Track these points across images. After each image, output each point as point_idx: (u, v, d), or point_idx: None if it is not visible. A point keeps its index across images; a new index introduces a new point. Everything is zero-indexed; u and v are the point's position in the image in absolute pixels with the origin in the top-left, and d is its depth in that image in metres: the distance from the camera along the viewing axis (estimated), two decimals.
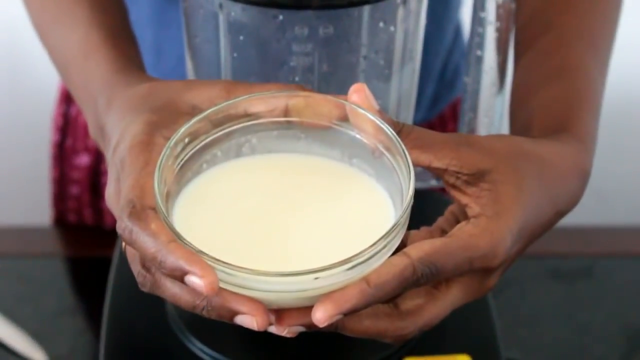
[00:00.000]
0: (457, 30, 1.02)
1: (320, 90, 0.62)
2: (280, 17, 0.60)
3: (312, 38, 0.60)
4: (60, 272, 0.96)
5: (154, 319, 0.72)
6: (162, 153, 0.54)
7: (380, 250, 0.51)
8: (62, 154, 1.08)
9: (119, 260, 0.78)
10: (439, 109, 1.02)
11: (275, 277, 0.50)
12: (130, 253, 0.56)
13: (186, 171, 0.56)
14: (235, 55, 0.62)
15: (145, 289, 0.55)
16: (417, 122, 0.71)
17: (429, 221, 0.83)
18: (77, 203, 1.08)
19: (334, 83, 0.63)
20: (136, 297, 0.74)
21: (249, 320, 0.52)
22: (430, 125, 1.02)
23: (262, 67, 0.63)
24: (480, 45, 0.66)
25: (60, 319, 0.89)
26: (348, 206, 0.56)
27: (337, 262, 0.49)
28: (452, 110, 1.04)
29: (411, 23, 0.63)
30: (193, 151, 0.56)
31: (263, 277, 0.50)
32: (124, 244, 0.55)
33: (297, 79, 0.62)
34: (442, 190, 0.82)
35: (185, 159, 0.56)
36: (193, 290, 0.51)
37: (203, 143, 0.57)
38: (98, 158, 1.05)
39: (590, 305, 0.92)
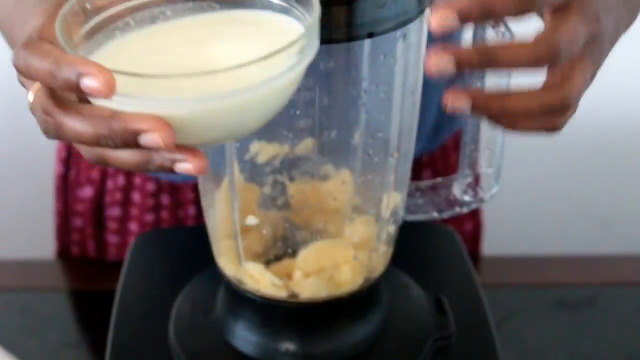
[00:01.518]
0: None
1: (322, 125, 0.63)
2: None
3: (313, 72, 0.60)
4: (63, 305, 0.96)
5: (158, 352, 0.72)
6: (67, 5, 0.53)
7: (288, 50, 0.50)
8: (65, 187, 1.08)
9: (123, 293, 0.78)
10: (441, 140, 1.02)
11: (179, 78, 0.48)
12: (35, 102, 0.54)
13: (96, 34, 0.55)
14: None
15: (49, 135, 0.53)
16: (418, 153, 0.71)
17: (432, 253, 0.83)
18: (80, 236, 1.08)
19: (336, 117, 0.63)
20: (140, 330, 0.74)
21: (153, 138, 0.49)
22: (433, 157, 1.02)
23: None
24: (481, 77, 0.66)
25: (64, 352, 0.89)
26: (263, 40, 0.55)
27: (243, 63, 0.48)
28: (454, 141, 1.04)
29: (412, 56, 0.64)
30: (104, 17, 0.55)
31: (166, 81, 0.48)
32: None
33: (298, 112, 0.63)
34: (445, 222, 0.82)
35: (96, 23, 0.55)
36: (94, 120, 0.50)
37: (116, 11, 0.56)
38: (101, 190, 1.05)
39: (595, 335, 0.91)
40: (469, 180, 0.71)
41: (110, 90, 0.48)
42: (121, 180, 1.03)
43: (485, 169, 0.70)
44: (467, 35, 0.64)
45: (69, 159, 1.08)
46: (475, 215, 1.09)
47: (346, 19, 0.57)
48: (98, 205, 1.05)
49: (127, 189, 1.04)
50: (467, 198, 0.72)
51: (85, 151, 0.54)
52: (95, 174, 1.05)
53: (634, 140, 1.59)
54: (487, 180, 0.70)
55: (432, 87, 0.99)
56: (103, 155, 0.53)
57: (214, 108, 0.50)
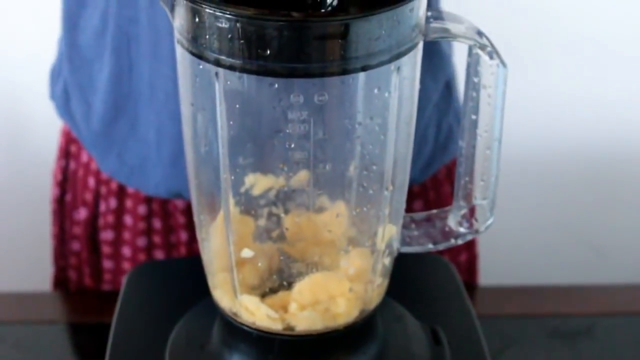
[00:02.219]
0: (449, 93, 1.03)
1: (316, 157, 0.63)
2: (276, 85, 0.61)
3: (308, 105, 0.60)
4: (58, 338, 0.96)
5: None
6: None
7: None
8: (62, 209, 1.08)
9: (117, 326, 0.77)
10: (432, 170, 1.02)
11: None
12: None
13: None
14: (231, 123, 0.63)
15: None
16: (409, 184, 0.71)
17: (427, 284, 0.83)
18: (77, 260, 1.08)
19: (330, 149, 0.64)
20: None
21: None
22: (424, 187, 1.03)
23: (258, 135, 0.64)
24: (475, 109, 0.66)
25: None
26: None
27: None
28: (446, 171, 1.05)
29: (406, 88, 0.64)
30: None
31: None
32: None
33: (292, 145, 0.63)
34: (440, 253, 0.82)
35: None
36: None
37: None
38: (95, 213, 1.05)
39: None
40: (464, 211, 0.71)
41: None
42: (113, 202, 1.04)
43: (479, 200, 0.70)
44: (461, 64, 0.65)
45: (65, 182, 1.08)
46: (470, 246, 1.10)
47: (340, 52, 0.58)
48: (93, 227, 1.06)
49: (119, 211, 1.04)
50: (462, 229, 0.72)
51: None
52: (89, 196, 1.05)
53: (628, 168, 1.59)
54: (482, 212, 0.71)
55: (426, 119, 1.00)
56: None
57: None
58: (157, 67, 0.94)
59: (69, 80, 1.02)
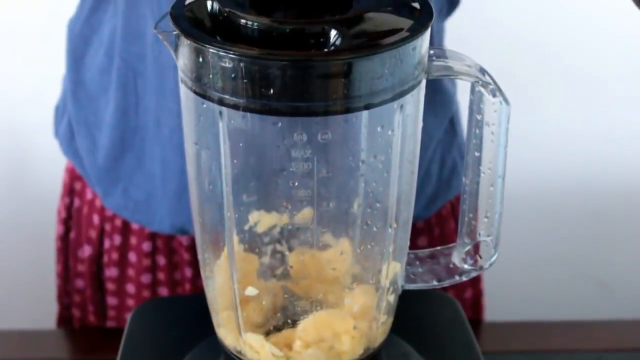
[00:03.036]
0: (453, 129, 1.03)
1: (319, 195, 0.63)
2: (280, 124, 0.61)
3: (311, 143, 0.60)
4: None
5: None
6: None
7: None
8: (66, 247, 1.08)
9: None
10: (436, 207, 1.02)
11: None
12: None
13: None
14: (235, 161, 0.63)
15: None
16: (414, 220, 0.71)
17: (432, 321, 0.83)
18: (81, 297, 1.08)
19: (333, 187, 0.64)
20: None
21: None
22: (428, 224, 1.03)
23: (261, 173, 0.64)
24: (478, 146, 0.67)
25: None
26: None
27: None
28: (450, 208, 1.05)
29: (409, 126, 0.64)
30: None
31: None
32: None
33: (296, 183, 0.63)
34: (445, 289, 0.82)
35: None
36: None
37: None
38: (100, 250, 1.05)
39: None
40: (468, 248, 0.71)
41: None
42: (117, 239, 1.04)
43: (483, 236, 0.70)
44: (465, 100, 0.65)
45: (69, 220, 1.08)
46: (475, 282, 1.09)
47: (343, 91, 0.58)
48: (97, 265, 1.06)
49: (123, 248, 1.04)
50: (466, 266, 0.71)
51: None
52: (93, 233, 1.05)
53: (632, 202, 1.59)
54: (486, 248, 0.70)
55: (430, 155, 1.00)
56: None
57: None
58: (163, 102, 0.94)
59: (74, 117, 1.03)
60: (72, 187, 1.08)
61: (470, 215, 0.69)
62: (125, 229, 1.04)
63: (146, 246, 1.03)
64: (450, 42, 1.03)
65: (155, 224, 1.01)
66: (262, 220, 0.69)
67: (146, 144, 0.98)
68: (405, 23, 0.61)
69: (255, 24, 0.60)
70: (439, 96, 0.99)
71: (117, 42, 0.96)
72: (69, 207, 1.09)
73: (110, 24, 0.97)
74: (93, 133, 1.01)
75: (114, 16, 0.97)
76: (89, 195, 1.06)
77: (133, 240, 1.04)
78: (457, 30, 1.03)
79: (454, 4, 1.01)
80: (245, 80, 0.58)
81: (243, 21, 0.60)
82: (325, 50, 0.59)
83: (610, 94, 1.48)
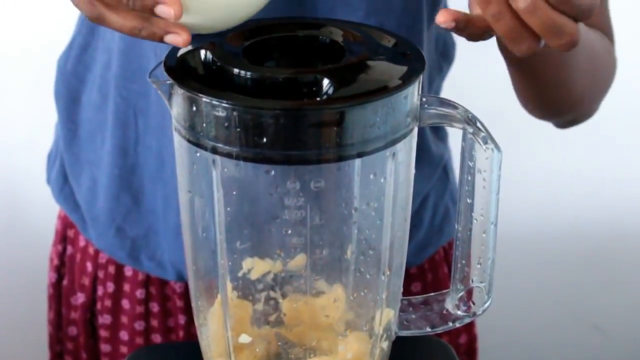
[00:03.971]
0: (446, 175, 1.04)
1: (312, 242, 0.63)
2: (273, 172, 0.61)
3: (304, 191, 0.61)
4: None
5: None
6: None
7: None
8: (58, 294, 1.08)
9: None
10: (428, 253, 1.03)
11: None
12: None
13: None
14: (228, 209, 0.63)
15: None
16: (407, 266, 0.71)
17: None
18: (74, 345, 1.07)
19: (326, 235, 0.64)
20: None
21: (167, 10, 0.61)
22: (421, 270, 1.02)
23: (254, 221, 0.64)
24: (470, 193, 0.67)
25: None
26: None
27: None
28: (443, 253, 1.05)
29: (401, 173, 0.64)
30: None
31: None
32: None
33: (289, 231, 0.63)
34: (439, 335, 0.82)
35: None
36: None
37: None
38: (93, 297, 1.05)
39: None
40: (461, 294, 0.71)
41: None
42: (110, 286, 1.03)
43: (476, 283, 0.70)
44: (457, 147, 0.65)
45: (62, 267, 1.08)
46: (469, 327, 1.09)
47: (336, 139, 0.59)
48: (91, 312, 1.05)
49: (117, 295, 1.03)
50: (459, 312, 0.71)
51: (87, 7, 0.63)
52: (86, 280, 1.04)
53: (625, 246, 1.60)
54: (480, 294, 0.71)
55: (421, 204, 1.00)
56: (102, 14, 0.63)
57: None
58: (165, 141, 0.94)
59: (72, 160, 1.03)
60: (65, 234, 1.08)
61: (463, 261, 0.69)
62: (119, 276, 1.03)
63: (139, 293, 1.03)
64: (443, 86, 1.03)
65: (152, 263, 1.00)
66: (255, 267, 0.69)
67: (145, 182, 0.98)
68: (398, 71, 0.62)
69: (249, 73, 0.60)
70: (423, 156, 0.98)
71: (113, 80, 0.96)
72: (61, 255, 1.08)
73: (101, 61, 0.98)
74: (94, 172, 1.01)
75: (105, 53, 0.97)
76: (81, 242, 1.06)
77: (126, 287, 1.03)
78: (450, 76, 1.03)
79: (449, 59, 1.02)
80: (238, 129, 0.59)
81: (236, 70, 0.61)
82: (318, 99, 0.60)
83: (604, 138, 1.49)
